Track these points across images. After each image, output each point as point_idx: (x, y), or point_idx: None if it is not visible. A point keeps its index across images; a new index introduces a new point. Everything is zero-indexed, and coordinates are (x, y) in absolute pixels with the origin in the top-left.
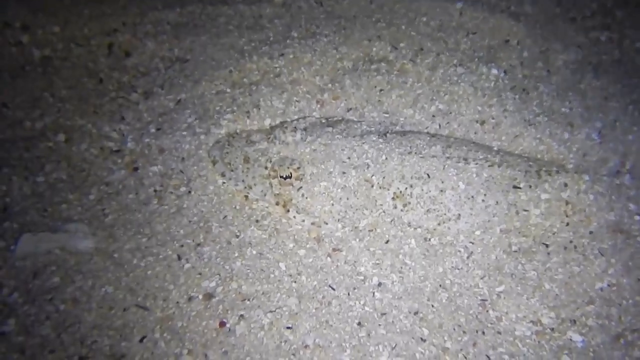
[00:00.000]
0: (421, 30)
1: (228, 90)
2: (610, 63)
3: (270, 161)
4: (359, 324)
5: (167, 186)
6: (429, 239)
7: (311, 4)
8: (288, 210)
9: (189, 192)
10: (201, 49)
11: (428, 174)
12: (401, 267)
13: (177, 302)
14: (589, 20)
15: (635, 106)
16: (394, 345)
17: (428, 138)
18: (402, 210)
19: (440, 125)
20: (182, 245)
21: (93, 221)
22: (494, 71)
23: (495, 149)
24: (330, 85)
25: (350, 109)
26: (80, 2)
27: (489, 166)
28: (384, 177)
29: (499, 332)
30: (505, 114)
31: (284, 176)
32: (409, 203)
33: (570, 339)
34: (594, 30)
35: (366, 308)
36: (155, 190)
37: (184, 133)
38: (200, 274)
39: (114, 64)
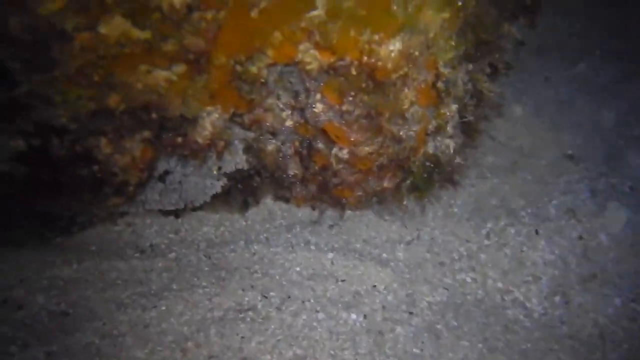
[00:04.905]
0: (293, 278)
1: (97, 341)
2: (472, 302)
3: None
4: None
5: None
6: None
7: (200, 257)
8: None
9: None
10: (84, 303)
11: None
12: None
13: None
14: (457, 262)
15: (484, 344)
16: None
17: None
18: None
19: None
20: None
21: None
22: (353, 316)
23: None
24: (195, 334)
25: (212, 356)
26: None
27: None
28: None
29: None
30: (356, 357)
31: None
32: None
33: None
34: (461, 272)
35: None
36: None
37: None
38: None
39: (4, 316)
